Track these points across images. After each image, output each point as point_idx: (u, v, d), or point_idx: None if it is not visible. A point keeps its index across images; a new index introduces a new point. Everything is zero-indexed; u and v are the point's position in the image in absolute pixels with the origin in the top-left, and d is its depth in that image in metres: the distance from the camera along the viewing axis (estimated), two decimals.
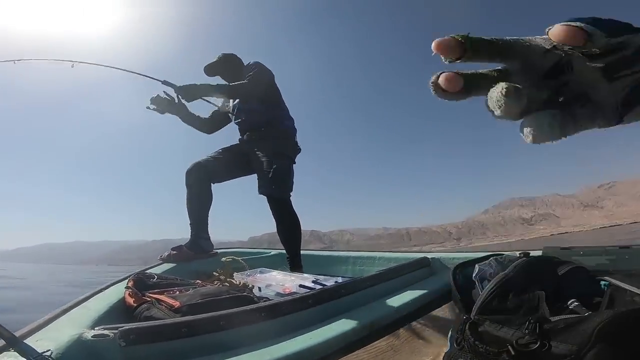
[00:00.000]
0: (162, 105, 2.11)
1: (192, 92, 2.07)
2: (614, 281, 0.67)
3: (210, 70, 2.37)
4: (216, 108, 2.48)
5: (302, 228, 2.27)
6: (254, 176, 2.27)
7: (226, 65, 2.36)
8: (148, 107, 2.11)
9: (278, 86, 2.37)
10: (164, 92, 2.11)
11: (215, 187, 2.35)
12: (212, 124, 2.51)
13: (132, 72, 2.49)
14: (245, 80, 2.14)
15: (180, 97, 2.11)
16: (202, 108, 2.46)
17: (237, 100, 2.34)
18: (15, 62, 2.39)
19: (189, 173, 2.26)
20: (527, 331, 0.51)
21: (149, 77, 2.36)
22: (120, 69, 2.59)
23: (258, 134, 2.26)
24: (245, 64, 2.34)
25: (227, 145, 2.41)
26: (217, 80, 2.36)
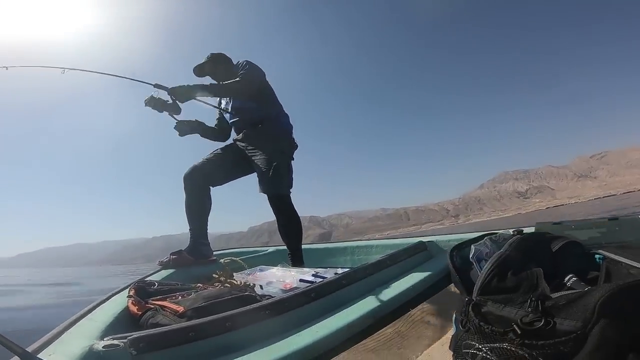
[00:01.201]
0: (156, 104, 2.11)
1: (184, 92, 2.06)
2: (608, 254, 0.69)
3: (199, 70, 2.35)
4: (210, 107, 2.46)
5: (301, 214, 2.28)
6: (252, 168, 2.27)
7: (215, 65, 2.33)
8: (146, 105, 2.11)
9: (270, 84, 2.35)
10: (156, 91, 2.11)
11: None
12: (228, 128, 2.49)
13: (124, 77, 2.45)
14: (237, 79, 2.13)
15: (173, 98, 2.10)
16: (204, 114, 2.48)
17: (231, 99, 2.33)
18: (8, 68, 2.36)
19: (186, 178, 2.24)
20: (530, 309, 0.53)
21: (140, 81, 2.32)
22: (113, 75, 2.54)
23: (254, 131, 2.25)
24: (234, 63, 2.33)
25: (222, 146, 2.40)
26: (208, 80, 2.33)
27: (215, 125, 2.50)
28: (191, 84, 2.08)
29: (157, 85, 2.11)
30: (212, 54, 2.37)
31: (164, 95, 2.10)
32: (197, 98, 2.17)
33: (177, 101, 2.12)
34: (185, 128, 2.29)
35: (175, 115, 2.20)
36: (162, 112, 2.15)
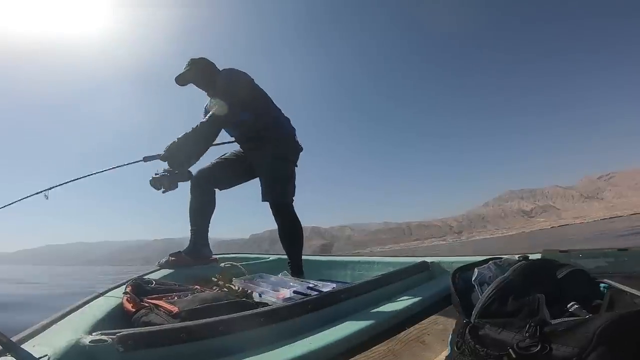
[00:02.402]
0: (166, 182, 1.97)
1: (176, 155, 1.95)
2: (613, 283, 0.67)
3: (181, 79, 2.23)
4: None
5: (303, 224, 2.23)
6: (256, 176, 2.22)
7: (196, 72, 2.23)
8: (163, 192, 1.97)
9: (261, 88, 2.25)
10: (156, 172, 1.97)
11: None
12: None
13: (110, 168, 2.31)
14: (218, 102, 2.02)
15: (171, 166, 1.97)
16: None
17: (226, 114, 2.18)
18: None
19: (194, 179, 2.22)
20: (527, 334, 0.51)
21: (127, 164, 2.20)
22: (100, 172, 2.38)
23: (257, 143, 2.21)
24: (218, 69, 2.23)
25: (231, 151, 2.37)
26: (192, 88, 2.24)
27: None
28: (177, 139, 1.95)
29: (146, 159, 2.02)
30: (192, 60, 2.24)
31: (162, 165, 1.98)
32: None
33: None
34: (173, 179, 2.04)
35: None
36: (177, 185, 2.01)
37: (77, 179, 2.29)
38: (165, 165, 2.00)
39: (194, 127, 2.00)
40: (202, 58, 2.26)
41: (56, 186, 2.22)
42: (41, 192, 2.18)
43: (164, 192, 1.97)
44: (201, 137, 2.03)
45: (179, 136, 1.97)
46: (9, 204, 2.20)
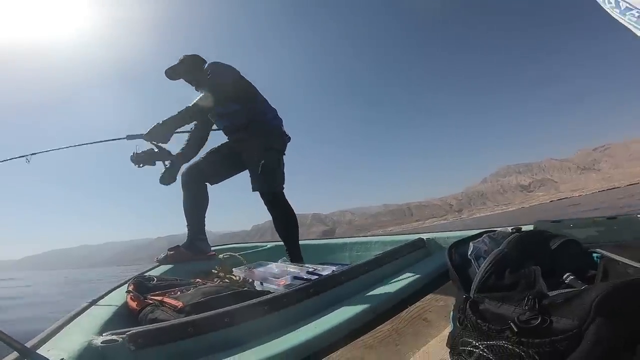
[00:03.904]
0: (146, 159, 2.05)
1: (160, 133, 2.00)
2: (605, 253, 0.69)
3: (172, 73, 2.31)
4: (189, 129, 2.43)
5: (304, 212, 2.27)
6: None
7: (187, 67, 2.29)
8: (139, 166, 2.04)
9: (248, 79, 2.28)
10: (136, 147, 2.04)
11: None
12: (206, 129, 2.45)
13: (95, 142, 2.44)
14: (205, 90, 2.07)
15: (155, 144, 2.04)
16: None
17: (214, 107, 2.24)
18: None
19: (184, 176, 2.25)
20: (527, 307, 0.53)
21: (111, 140, 2.28)
22: (80, 145, 2.49)
23: (244, 134, 2.23)
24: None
25: (219, 145, 2.38)
26: (181, 83, 2.29)
27: (192, 134, 2.43)
28: (161, 121, 2.00)
29: (129, 137, 2.06)
30: (185, 56, 2.32)
31: (144, 145, 2.03)
32: (177, 131, 2.11)
33: (160, 145, 2.06)
34: (174, 170, 2.21)
35: (166, 162, 2.15)
36: (155, 164, 2.09)
37: (59, 148, 2.50)
38: (142, 143, 2.05)
39: (180, 110, 2.04)
40: (195, 55, 2.33)
41: (38, 152, 2.39)
42: (23, 156, 2.34)
43: (141, 166, 2.05)
44: (180, 120, 2.07)
45: (164, 119, 2.01)
46: None
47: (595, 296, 0.45)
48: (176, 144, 2.32)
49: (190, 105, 2.06)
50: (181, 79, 2.32)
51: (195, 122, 2.37)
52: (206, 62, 2.28)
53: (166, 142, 2.06)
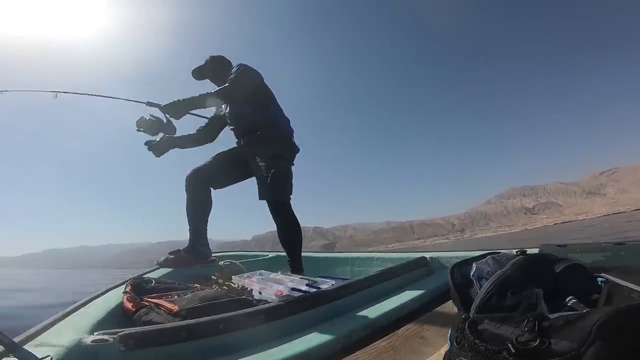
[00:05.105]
0: (151, 127, 2.06)
1: (177, 108, 2.01)
2: (610, 278, 0.68)
3: (198, 73, 2.35)
4: (207, 119, 2.46)
5: (305, 225, 2.24)
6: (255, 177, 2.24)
7: (214, 68, 2.32)
8: (138, 130, 2.06)
9: (269, 87, 2.30)
10: (150, 114, 2.06)
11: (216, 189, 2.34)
12: (212, 130, 2.46)
13: (117, 98, 2.43)
14: (227, 84, 2.09)
15: (168, 116, 2.05)
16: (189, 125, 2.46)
17: (228, 106, 2.31)
18: (2, 92, 2.41)
19: (188, 179, 2.24)
20: (526, 329, 0.51)
21: (131, 100, 2.28)
22: (105, 97, 2.54)
23: (254, 138, 2.22)
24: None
25: (225, 149, 2.37)
26: (207, 84, 2.32)
27: (199, 129, 2.44)
28: (181, 98, 2.02)
29: (149, 103, 2.07)
30: (211, 57, 2.35)
31: (156, 113, 2.05)
32: (191, 112, 2.14)
33: (171, 119, 2.07)
34: (163, 146, 2.18)
35: (166, 136, 2.14)
36: (157, 134, 2.10)
37: (85, 94, 2.69)
38: (157, 112, 2.06)
39: (201, 93, 2.05)
40: (221, 56, 2.37)
41: (64, 92, 2.46)
42: (52, 91, 2.39)
43: (140, 130, 2.05)
44: (198, 102, 2.07)
45: (185, 97, 2.03)
46: (21, 90, 2.57)
47: (597, 319, 0.43)
48: (186, 127, 2.33)
49: (211, 91, 2.07)
50: (207, 79, 2.36)
51: (208, 118, 2.40)
52: (231, 63, 2.32)
53: (177, 119, 2.07)
